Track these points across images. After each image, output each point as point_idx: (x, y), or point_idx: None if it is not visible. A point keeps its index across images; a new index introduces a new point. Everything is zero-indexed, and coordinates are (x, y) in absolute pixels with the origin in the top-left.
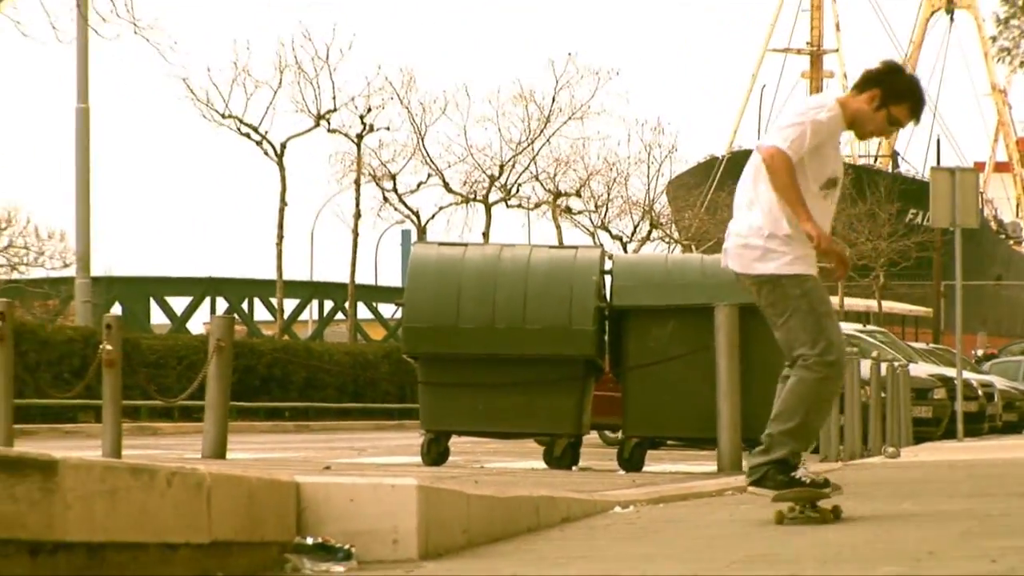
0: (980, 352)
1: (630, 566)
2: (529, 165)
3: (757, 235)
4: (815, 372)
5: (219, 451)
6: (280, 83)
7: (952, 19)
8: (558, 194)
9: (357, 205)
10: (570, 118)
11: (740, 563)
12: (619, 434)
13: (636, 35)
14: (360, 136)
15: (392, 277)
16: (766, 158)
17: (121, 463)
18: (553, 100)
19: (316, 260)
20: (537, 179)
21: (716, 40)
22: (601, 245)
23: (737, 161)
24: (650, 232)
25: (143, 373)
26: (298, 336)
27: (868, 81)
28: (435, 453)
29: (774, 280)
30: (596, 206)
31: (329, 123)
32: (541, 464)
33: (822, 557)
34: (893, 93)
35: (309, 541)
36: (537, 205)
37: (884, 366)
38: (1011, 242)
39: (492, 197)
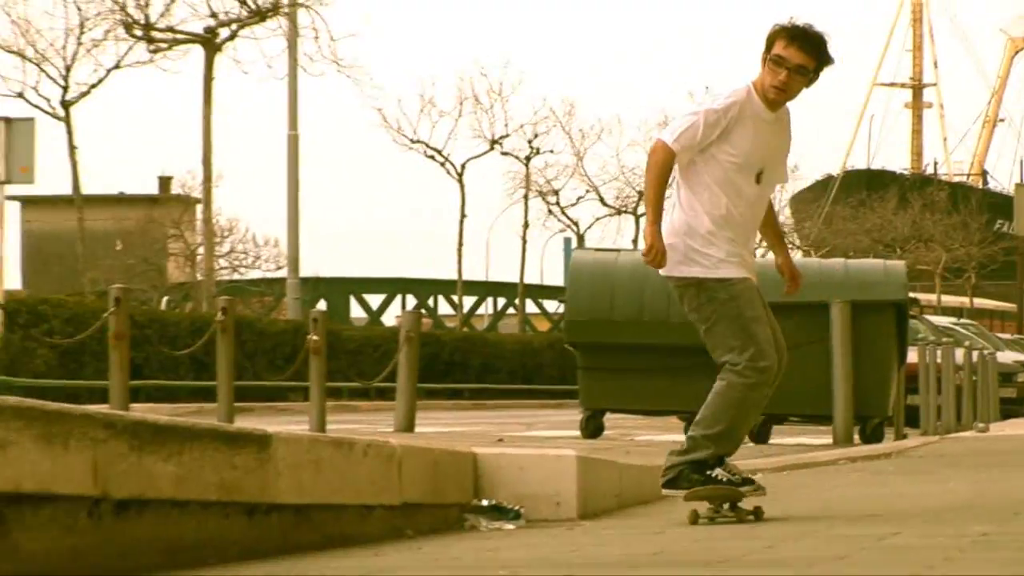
0: None
1: (757, 523)
2: None
3: (678, 235)
4: (745, 378)
5: (408, 426)
6: (460, 113)
7: None
8: None
9: (525, 216)
10: None
11: (854, 521)
12: None
13: None
14: (528, 158)
15: (555, 277)
16: (650, 149)
17: (325, 436)
18: None
19: (491, 263)
20: None
21: (832, 75)
22: None
23: (849, 179)
24: None
25: (344, 359)
26: (476, 328)
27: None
28: (592, 428)
29: (698, 283)
30: None
31: (502, 147)
32: (682, 438)
33: (924, 517)
34: (770, 40)
35: (484, 503)
36: None
37: (975, 354)
38: None
39: (640, 210)
